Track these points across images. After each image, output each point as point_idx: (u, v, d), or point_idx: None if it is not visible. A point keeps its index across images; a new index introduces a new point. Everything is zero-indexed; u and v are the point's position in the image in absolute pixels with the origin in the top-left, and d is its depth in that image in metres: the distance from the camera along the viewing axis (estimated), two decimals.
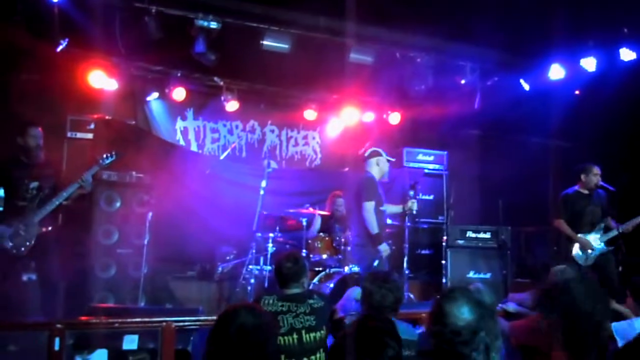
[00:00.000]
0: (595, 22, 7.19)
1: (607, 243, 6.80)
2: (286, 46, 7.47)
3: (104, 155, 5.66)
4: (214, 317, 5.10)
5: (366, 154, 6.43)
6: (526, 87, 8.46)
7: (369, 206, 5.98)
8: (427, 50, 8.06)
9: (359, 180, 6.27)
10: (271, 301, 4.10)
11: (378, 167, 6.32)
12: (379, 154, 6.37)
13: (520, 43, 7.74)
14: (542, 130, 8.47)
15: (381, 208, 6.17)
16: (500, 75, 8.55)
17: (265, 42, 7.38)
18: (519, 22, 7.29)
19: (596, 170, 6.85)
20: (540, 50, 7.89)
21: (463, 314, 2.48)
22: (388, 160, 6.41)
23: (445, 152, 9.00)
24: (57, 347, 3.97)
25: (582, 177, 6.90)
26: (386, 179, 6.60)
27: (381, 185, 6.37)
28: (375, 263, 5.86)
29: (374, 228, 5.94)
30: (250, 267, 6.84)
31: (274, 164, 7.40)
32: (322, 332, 4.05)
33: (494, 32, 7.31)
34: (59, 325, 4.06)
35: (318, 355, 4.01)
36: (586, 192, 6.92)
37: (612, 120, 7.98)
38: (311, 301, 4.13)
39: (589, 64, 7.74)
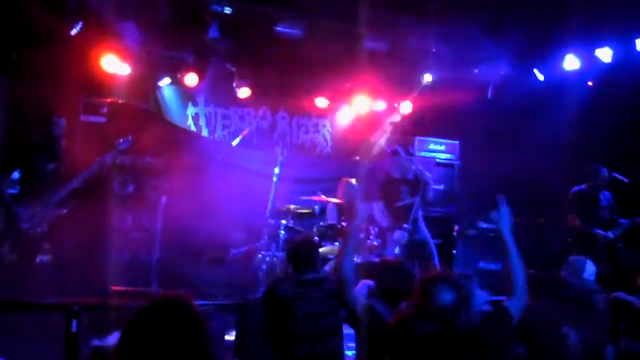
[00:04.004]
0: (612, 11, 7.12)
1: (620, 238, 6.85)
2: (299, 32, 7.44)
3: (121, 140, 5.67)
4: (229, 302, 5.17)
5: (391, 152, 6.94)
6: (540, 77, 8.40)
7: (376, 206, 6.59)
8: (441, 39, 8.00)
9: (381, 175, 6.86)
10: (287, 286, 4.11)
11: (396, 166, 6.75)
12: (397, 154, 6.74)
13: (535, 33, 7.67)
14: (556, 121, 8.42)
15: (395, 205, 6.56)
16: (514, 65, 8.48)
17: (278, 28, 7.35)
18: (534, 11, 7.24)
19: (603, 172, 6.91)
20: (555, 40, 7.82)
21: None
22: (408, 159, 6.71)
23: (457, 142, 8.96)
24: (74, 329, 3.98)
25: (589, 179, 7.03)
26: (409, 174, 6.83)
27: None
28: (396, 250, 5.95)
29: (383, 224, 6.50)
30: (262, 252, 6.85)
31: (285, 152, 7.39)
32: (337, 318, 4.06)
33: (509, 21, 7.27)
34: (76, 307, 4.08)
35: (333, 341, 4.02)
36: (593, 192, 7.00)
37: (626, 112, 7.93)
38: (327, 286, 4.13)
39: (605, 54, 7.68)
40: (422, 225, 6.83)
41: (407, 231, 6.41)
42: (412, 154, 6.84)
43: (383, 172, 6.98)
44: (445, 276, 3.03)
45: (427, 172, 6.69)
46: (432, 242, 6.86)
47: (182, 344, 2.09)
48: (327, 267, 6.56)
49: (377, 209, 6.65)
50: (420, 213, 6.77)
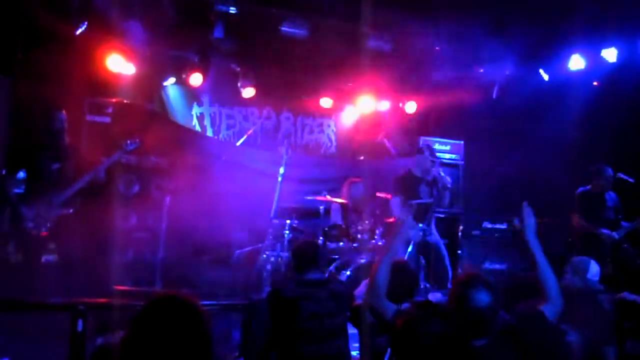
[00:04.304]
0: (617, 12, 7.10)
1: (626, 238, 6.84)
2: (304, 32, 7.44)
3: (128, 142, 5.67)
4: (233, 302, 5.17)
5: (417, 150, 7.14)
6: (545, 77, 8.38)
7: (394, 201, 6.64)
8: (446, 38, 7.98)
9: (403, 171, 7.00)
10: (292, 286, 4.10)
11: (417, 164, 6.84)
12: (421, 152, 6.86)
13: (541, 32, 7.65)
14: (560, 121, 8.39)
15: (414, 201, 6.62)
16: (519, 65, 8.46)
17: (283, 28, 7.35)
18: (539, 11, 7.21)
19: (608, 173, 6.89)
20: (561, 40, 7.80)
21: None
22: (432, 160, 6.76)
23: (462, 142, 8.95)
24: (80, 328, 3.98)
25: (594, 180, 7.03)
26: (428, 176, 6.89)
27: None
28: (410, 248, 6.05)
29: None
30: (267, 253, 6.84)
31: (290, 152, 7.39)
32: (342, 318, 4.05)
33: (514, 21, 7.25)
34: (81, 307, 4.08)
35: (338, 341, 4.01)
36: (598, 192, 7.00)
37: (632, 112, 7.90)
38: (331, 286, 4.13)
39: (610, 54, 7.65)
40: (435, 228, 6.90)
41: (422, 231, 6.45)
42: (436, 157, 6.84)
43: (405, 168, 7.03)
44: (480, 276, 2.96)
45: (448, 177, 6.66)
46: (443, 247, 6.94)
47: (185, 341, 2.08)
48: (332, 267, 6.57)
49: (395, 203, 6.66)
50: (434, 216, 6.82)
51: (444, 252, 6.88)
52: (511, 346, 2.87)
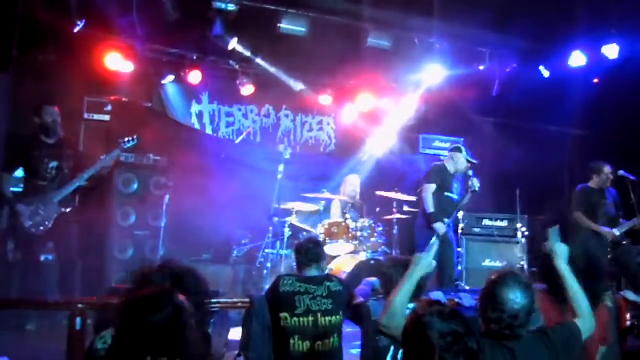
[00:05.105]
0: (618, 8, 7.08)
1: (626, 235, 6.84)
2: (303, 29, 7.43)
3: (126, 139, 5.66)
4: (234, 300, 5.15)
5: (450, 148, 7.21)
6: (546, 74, 8.36)
7: (429, 188, 6.60)
8: (446, 36, 7.96)
9: (430, 166, 6.98)
10: (290, 282, 4.09)
11: (453, 161, 6.81)
12: (459, 151, 6.85)
13: (541, 29, 7.62)
14: (561, 118, 8.38)
15: (446, 194, 6.69)
16: (520, 62, 8.44)
17: (282, 25, 7.34)
18: (540, 7, 7.19)
19: (607, 169, 6.92)
20: (562, 37, 7.78)
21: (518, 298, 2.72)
22: (468, 161, 6.77)
23: (462, 139, 8.93)
24: (79, 327, 3.97)
25: (594, 177, 7.05)
26: (460, 175, 6.96)
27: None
28: (433, 240, 5.99)
29: (429, 207, 6.52)
30: (267, 251, 6.83)
31: (289, 150, 7.36)
32: (338, 316, 4.03)
33: (514, 18, 7.22)
34: (80, 305, 4.07)
35: (332, 339, 4.00)
36: (599, 189, 7.03)
37: (633, 109, 7.88)
38: (329, 284, 4.11)
39: (611, 51, 7.63)
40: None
41: (448, 226, 6.47)
42: (473, 158, 6.82)
43: (441, 161, 7.00)
44: (515, 275, 2.83)
45: (477, 181, 6.57)
46: (456, 245, 6.97)
47: (168, 335, 2.15)
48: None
49: (428, 190, 6.63)
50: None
51: (456, 250, 6.89)
52: (544, 349, 2.84)
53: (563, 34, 7.67)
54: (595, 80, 8.41)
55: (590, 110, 8.19)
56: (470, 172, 6.62)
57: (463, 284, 7.48)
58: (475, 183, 6.41)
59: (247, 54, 8.01)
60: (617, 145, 7.94)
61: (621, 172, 6.92)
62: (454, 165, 6.80)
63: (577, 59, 7.95)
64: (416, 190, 7.27)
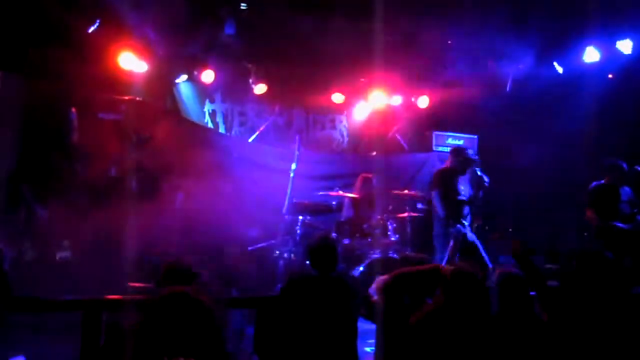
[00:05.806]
0: (632, 3, 7.01)
1: None
2: (316, 28, 7.41)
3: (139, 137, 5.69)
4: (246, 298, 5.18)
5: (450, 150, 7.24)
6: (560, 70, 8.29)
7: (435, 195, 6.68)
8: (460, 33, 7.92)
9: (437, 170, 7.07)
10: (303, 282, 4.10)
11: (453, 163, 6.82)
12: (457, 152, 6.90)
13: (555, 25, 7.57)
14: (575, 114, 8.31)
15: (453, 196, 6.66)
16: (534, 58, 8.37)
17: (294, 24, 7.32)
18: (554, 4, 7.14)
19: (622, 167, 6.82)
20: (575, 33, 7.71)
21: None
22: (468, 160, 6.80)
23: (476, 136, 8.89)
24: (93, 326, 4.00)
25: (608, 174, 6.95)
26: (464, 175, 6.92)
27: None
28: (451, 242, 6.20)
29: (441, 211, 6.60)
30: (280, 249, 6.84)
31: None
32: (352, 314, 4.04)
33: (528, 15, 7.17)
34: (95, 304, 4.10)
35: (347, 337, 4.00)
36: (613, 186, 6.92)
37: None
38: (343, 282, 4.12)
39: (626, 46, 7.55)
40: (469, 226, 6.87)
41: (463, 229, 6.48)
42: (475, 156, 6.89)
43: (446, 163, 7.02)
44: None
45: (485, 177, 6.57)
46: (480, 244, 6.85)
47: (192, 334, 2.16)
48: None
49: (436, 196, 6.67)
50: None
51: (482, 250, 6.81)
52: None
53: (577, 29, 7.61)
54: (610, 76, 8.33)
55: (605, 106, 8.11)
56: (478, 170, 6.60)
57: None
58: (485, 178, 6.43)
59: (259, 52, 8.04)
60: (632, 141, 7.87)
61: (638, 168, 6.86)
62: (455, 167, 6.79)
63: (592, 55, 7.89)
64: (429, 188, 7.23)
